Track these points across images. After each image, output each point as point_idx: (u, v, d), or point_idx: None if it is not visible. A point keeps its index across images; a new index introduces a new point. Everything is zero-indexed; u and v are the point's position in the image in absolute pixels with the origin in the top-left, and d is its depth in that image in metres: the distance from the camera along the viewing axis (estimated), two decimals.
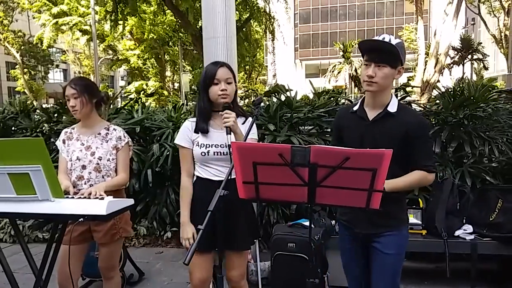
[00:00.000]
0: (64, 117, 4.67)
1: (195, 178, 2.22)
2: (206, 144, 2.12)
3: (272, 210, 4.06)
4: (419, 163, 1.94)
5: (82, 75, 31.53)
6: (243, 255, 2.23)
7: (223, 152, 2.10)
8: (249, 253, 3.57)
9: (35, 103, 10.76)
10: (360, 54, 2.00)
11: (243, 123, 2.18)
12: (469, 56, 28.87)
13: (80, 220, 1.81)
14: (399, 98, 4.29)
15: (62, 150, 2.50)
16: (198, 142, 2.15)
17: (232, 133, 1.98)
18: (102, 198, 1.97)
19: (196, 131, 2.16)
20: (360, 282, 2.17)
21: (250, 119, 2.21)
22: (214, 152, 2.11)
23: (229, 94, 2.10)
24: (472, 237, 3.24)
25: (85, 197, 2.03)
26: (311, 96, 4.91)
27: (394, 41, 1.87)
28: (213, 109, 2.15)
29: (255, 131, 2.22)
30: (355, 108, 2.05)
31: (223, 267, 1.95)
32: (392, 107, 1.95)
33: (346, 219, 2.13)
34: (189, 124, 2.20)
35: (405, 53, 1.94)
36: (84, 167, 2.41)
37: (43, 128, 4.84)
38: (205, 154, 2.12)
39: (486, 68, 30.18)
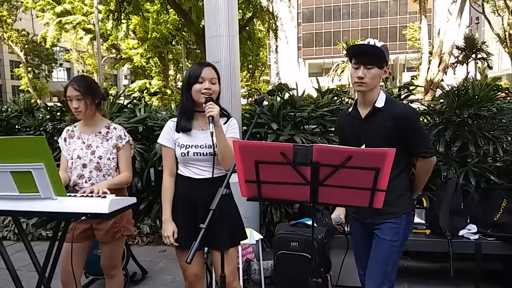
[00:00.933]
0: (67, 116, 4.68)
1: (177, 176, 2.22)
2: (186, 145, 2.13)
3: (275, 209, 4.06)
4: (415, 151, 2.08)
5: (85, 73, 31.61)
6: (229, 254, 2.17)
7: (203, 153, 2.12)
8: (252, 252, 3.57)
9: (39, 101, 10.79)
10: None
11: (224, 123, 2.19)
12: (473, 55, 28.76)
13: (82, 218, 1.80)
14: (402, 96, 4.28)
15: (63, 148, 2.51)
16: (178, 143, 2.16)
17: (214, 123, 1.97)
18: (105, 196, 1.97)
19: (177, 131, 2.17)
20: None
21: (232, 119, 2.24)
22: (194, 153, 2.12)
23: (212, 94, 2.09)
24: (476, 236, 3.22)
25: (87, 195, 2.03)
26: (314, 95, 4.90)
27: (378, 44, 2.01)
28: (196, 109, 2.15)
29: (236, 131, 2.23)
30: (350, 109, 2.22)
31: (222, 265, 1.95)
32: (380, 103, 2.07)
33: (353, 211, 2.27)
34: (171, 124, 2.21)
35: (388, 54, 2.07)
36: (84, 165, 2.41)
37: (47, 126, 4.86)
38: (184, 154, 2.13)
39: (490, 68, 30.06)
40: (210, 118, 1.96)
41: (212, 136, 1.93)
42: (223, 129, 2.11)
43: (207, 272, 2.71)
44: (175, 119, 2.22)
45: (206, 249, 2.41)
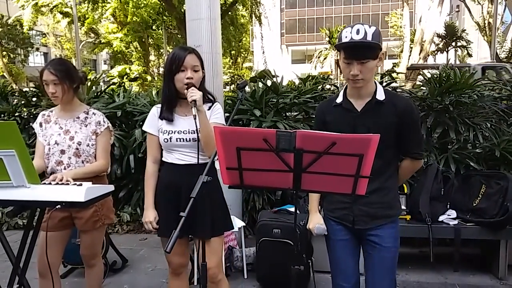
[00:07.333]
0: (43, 101, 4.54)
1: (162, 163, 2.20)
2: (169, 131, 2.11)
3: (257, 196, 4.04)
4: (408, 150, 1.94)
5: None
6: (212, 244, 2.12)
7: (186, 139, 2.09)
8: (234, 239, 3.55)
9: (14, 86, 10.46)
10: None
11: (208, 109, 2.15)
12: (453, 43, 29.08)
13: (57, 207, 1.74)
14: (384, 84, 4.28)
15: (38, 133, 2.41)
16: (162, 129, 2.14)
17: (197, 107, 1.95)
18: (81, 184, 1.90)
19: (161, 118, 2.15)
20: (355, 278, 2.03)
21: (217, 104, 2.19)
22: (176, 139, 2.09)
23: (195, 83, 2.05)
24: (455, 222, 3.27)
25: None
26: (297, 82, 4.87)
27: (369, 32, 1.71)
28: (179, 96, 2.11)
29: (221, 116, 2.17)
30: (339, 100, 1.95)
31: (203, 254, 1.91)
32: (380, 95, 1.87)
33: (337, 216, 1.99)
34: (155, 111, 2.19)
35: (381, 38, 1.79)
36: (63, 152, 2.33)
37: (21, 112, 4.70)
38: (167, 140, 2.11)
39: (470, 55, 30.46)
40: (193, 102, 1.93)
41: (195, 119, 1.90)
42: (207, 114, 2.07)
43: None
44: (159, 105, 2.19)
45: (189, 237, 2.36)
